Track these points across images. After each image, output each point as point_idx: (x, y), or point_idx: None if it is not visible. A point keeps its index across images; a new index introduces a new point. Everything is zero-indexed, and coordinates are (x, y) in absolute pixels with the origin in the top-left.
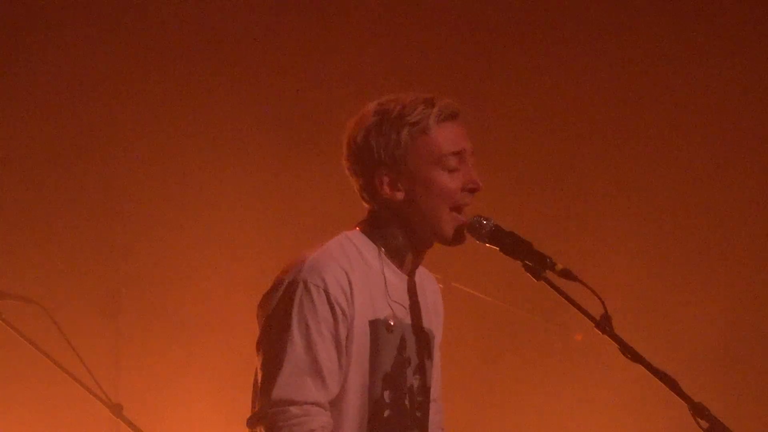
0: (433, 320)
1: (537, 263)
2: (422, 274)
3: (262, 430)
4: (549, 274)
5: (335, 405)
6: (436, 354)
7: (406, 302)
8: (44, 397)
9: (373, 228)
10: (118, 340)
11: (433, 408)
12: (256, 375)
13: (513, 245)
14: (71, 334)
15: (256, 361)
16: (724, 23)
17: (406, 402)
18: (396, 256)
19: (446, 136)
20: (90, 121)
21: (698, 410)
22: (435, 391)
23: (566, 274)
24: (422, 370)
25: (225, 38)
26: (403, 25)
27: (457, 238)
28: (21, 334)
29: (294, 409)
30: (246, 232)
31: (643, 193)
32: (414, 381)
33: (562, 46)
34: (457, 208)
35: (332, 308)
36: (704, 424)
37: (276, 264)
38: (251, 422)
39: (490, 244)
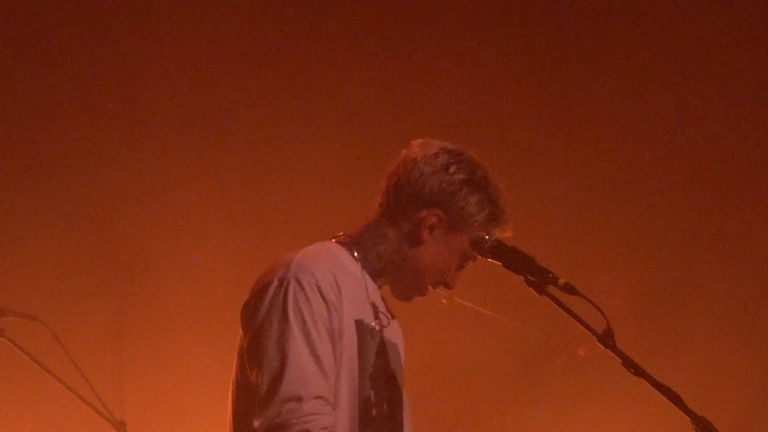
0: (399, 339)
1: (539, 278)
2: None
3: (275, 428)
4: (551, 288)
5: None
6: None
7: (384, 311)
8: (48, 415)
9: (357, 241)
10: (122, 357)
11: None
12: (235, 383)
13: (515, 260)
14: (75, 352)
15: (249, 365)
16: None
17: (385, 406)
18: (372, 272)
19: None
20: (94, 139)
21: (701, 424)
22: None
23: (569, 288)
24: (395, 379)
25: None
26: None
27: (407, 299)
28: (25, 352)
29: (306, 407)
30: (251, 250)
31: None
32: (392, 388)
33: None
34: (426, 289)
35: (326, 302)
36: None
37: None
38: (263, 423)
39: (492, 259)
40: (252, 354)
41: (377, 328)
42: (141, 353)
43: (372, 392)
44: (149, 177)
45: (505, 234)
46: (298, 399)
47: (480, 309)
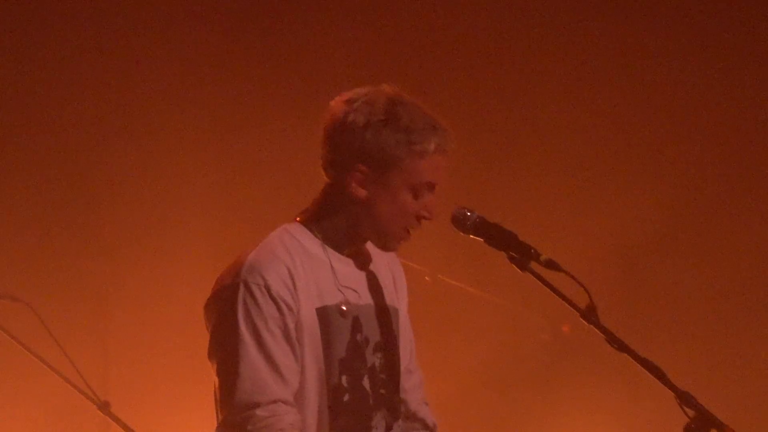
0: (393, 294)
1: (522, 254)
2: (374, 250)
3: None
4: (534, 265)
5: (297, 396)
6: (405, 326)
7: (356, 285)
8: (32, 396)
9: (314, 218)
10: (106, 337)
11: (409, 380)
12: (215, 385)
13: (497, 237)
14: (58, 333)
15: (211, 370)
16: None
17: (365, 383)
18: (336, 245)
19: (431, 167)
20: (77, 119)
21: (684, 399)
22: (408, 363)
23: (551, 264)
24: (383, 348)
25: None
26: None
27: (393, 249)
28: (8, 333)
29: (260, 412)
30: (236, 229)
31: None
32: (375, 360)
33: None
34: (406, 231)
35: (277, 305)
36: (690, 412)
37: None
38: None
39: (474, 235)
40: (210, 358)
41: (344, 308)
42: (125, 334)
43: (344, 377)
44: (133, 157)
45: (447, 146)
46: (254, 406)
47: (463, 286)
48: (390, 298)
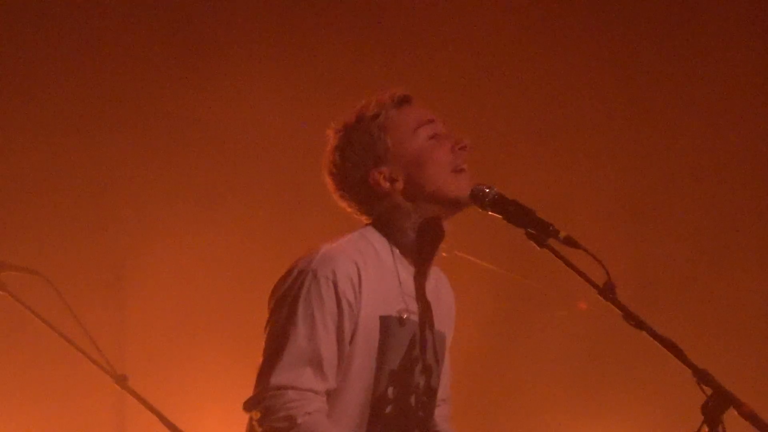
0: (445, 321)
1: (540, 231)
2: (438, 276)
3: (259, 413)
4: (552, 241)
5: (336, 398)
6: (446, 356)
7: (418, 300)
8: (49, 369)
9: (384, 225)
10: (123, 311)
11: (439, 408)
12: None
13: (516, 213)
14: (76, 306)
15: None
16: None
17: (412, 400)
18: (408, 252)
19: (409, 114)
20: (95, 92)
21: (702, 376)
22: (443, 393)
23: (569, 241)
24: (429, 371)
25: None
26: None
27: (464, 198)
28: (25, 306)
29: (292, 393)
30: (252, 204)
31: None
32: (420, 380)
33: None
34: (457, 170)
35: (339, 301)
36: (707, 390)
37: (281, 237)
38: (249, 405)
39: (492, 212)
40: (264, 332)
41: (405, 316)
42: (142, 307)
43: (391, 388)
44: (151, 133)
45: (399, 93)
46: (287, 387)
47: (481, 262)
48: (442, 323)
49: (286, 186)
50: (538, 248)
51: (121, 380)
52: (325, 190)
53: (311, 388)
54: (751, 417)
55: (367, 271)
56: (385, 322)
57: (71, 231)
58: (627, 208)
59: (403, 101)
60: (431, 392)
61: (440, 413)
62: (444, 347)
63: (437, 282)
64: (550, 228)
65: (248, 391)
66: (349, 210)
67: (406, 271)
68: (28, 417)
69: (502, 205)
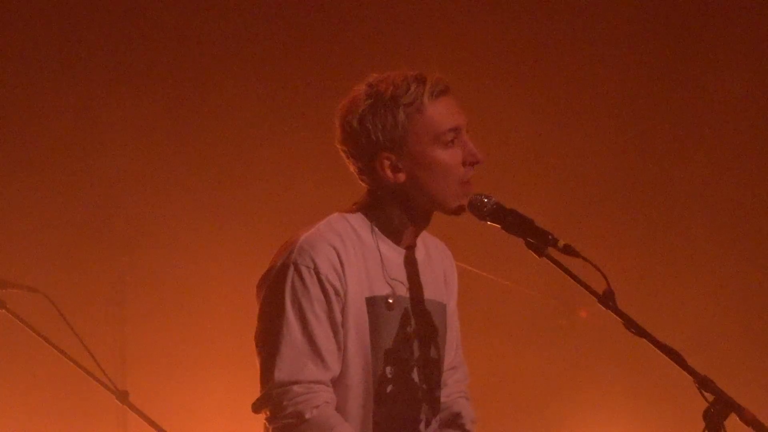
0: (441, 289)
1: (539, 240)
2: (429, 243)
3: (268, 412)
4: (551, 251)
5: (340, 382)
6: (452, 321)
7: (406, 277)
8: (50, 386)
9: (369, 208)
10: (124, 327)
11: (452, 376)
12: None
13: (515, 222)
14: (76, 323)
15: (255, 347)
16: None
17: (414, 376)
18: (392, 233)
19: (441, 113)
20: (92, 111)
21: (703, 383)
22: (453, 360)
23: (569, 250)
24: (429, 343)
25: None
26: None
27: (462, 209)
28: (26, 324)
29: (297, 388)
30: (251, 220)
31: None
32: (421, 354)
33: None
34: (464, 184)
35: (324, 288)
36: (709, 396)
37: None
38: (257, 406)
39: (491, 222)
40: (255, 338)
41: (391, 301)
42: (142, 324)
43: (388, 368)
44: (150, 150)
45: (440, 88)
46: (291, 383)
47: (480, 272)
48: (439, 294)
49: (289, 200)
50: (538, 257)
51: (123, 396)
52: (327, 197)
53: (315, 380)
54: (752, 423)
55: (347, 252)
56: (372, 303)
57: (71, 248)
58: (626, 208)
59: (441, 93)
60: (434, 364)
61: (453, 382)
62: (443, 316)
63: (428, 250)
64: (549, 237)
65: (250, 405)
66: (341, 154)
67: (390, 250)
68: None
69: (500, 214)
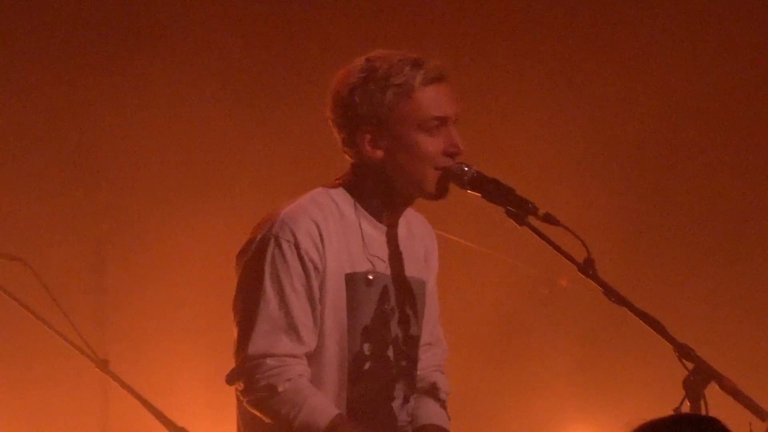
0: (422, 267)
1: (520, 209)
2: (411, 219)
3: (241, 385)
4: (532, 219)
5: (315, 358)
6: (431, 299)
7: (387, 254)
8: (30, 354)
9: (351, 182)
10: (104, 295)
11: (427, 351)
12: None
13: (495, 191)
14: (56, 290)
15: (232, 317)
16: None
17: (389, 353)
18: (373, 210)
19: (430, 99)
20: (73, 78)
21: (683, 351)
22: (429, 336)
23: (549, 218)
24: (407, 320)
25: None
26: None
27: (441, 194)
28: (5, 291)
29: (271, 361)
30: (233, 190)
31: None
32: (399, 331)
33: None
34: (436, 170)
35: (303, 262)
36: (689, 364)
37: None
38: (230, 378)
39: (471, 190)
40: (233, 308)
41: (371, 277)
42: (123, 291)
43: (366, 345)
44: (129, 115)
45: (434, 75)
46: (264, 356)
47: (461, 240)
48: (418, 270)
49: (272, 172)
50: (518, 226)
51: (103, 365)
52: (308, 169)
53: (289, 353)
54: (732, 391)
55: (328, 227)
56: (351, 280)
57: (51, 215)
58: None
59: (434, 80)
60: (412, 341)
61: (429, 357)
62: (423, 292)
63: (410, 227)
64: (530, 205)
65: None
66: (329, 123)
67: (371, 227)
68: (10, 403)
69: (481, 183)
